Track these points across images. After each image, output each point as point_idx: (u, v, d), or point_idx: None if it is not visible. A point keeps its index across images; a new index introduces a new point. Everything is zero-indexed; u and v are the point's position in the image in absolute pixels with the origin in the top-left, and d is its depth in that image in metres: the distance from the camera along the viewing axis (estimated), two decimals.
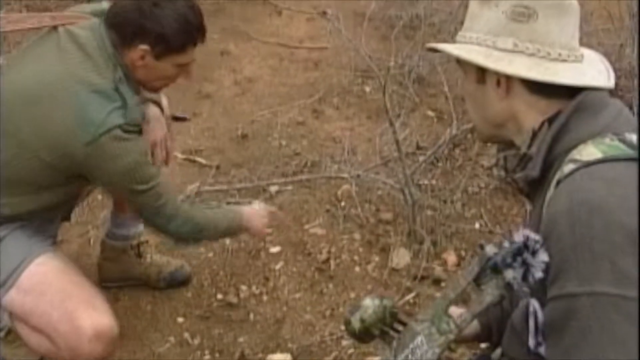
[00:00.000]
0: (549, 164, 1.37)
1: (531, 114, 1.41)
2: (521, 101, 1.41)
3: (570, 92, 1.38)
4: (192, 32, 2.03)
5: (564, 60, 1.39)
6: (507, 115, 1.44)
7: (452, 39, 4.59)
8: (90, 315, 1.98)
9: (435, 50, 1.55)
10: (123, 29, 1.99)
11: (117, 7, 2.03)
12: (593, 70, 1.42)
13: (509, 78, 1.40)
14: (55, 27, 2.05)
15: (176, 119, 3.15)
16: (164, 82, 2.15)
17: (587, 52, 1.46)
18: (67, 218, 2.40)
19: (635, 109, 1.42)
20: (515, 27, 1.40)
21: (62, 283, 2.04)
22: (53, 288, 2.02)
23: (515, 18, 1.40)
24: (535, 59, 1.39)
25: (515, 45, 1.40)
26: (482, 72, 1.44)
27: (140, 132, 2.05)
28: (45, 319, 2.00)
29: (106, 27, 2.01)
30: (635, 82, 3.09)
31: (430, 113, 3.85)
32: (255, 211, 2.48)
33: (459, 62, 1.48)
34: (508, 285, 1.26)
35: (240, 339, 2.53)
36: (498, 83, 1.42)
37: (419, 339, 1.35)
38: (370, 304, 1.48)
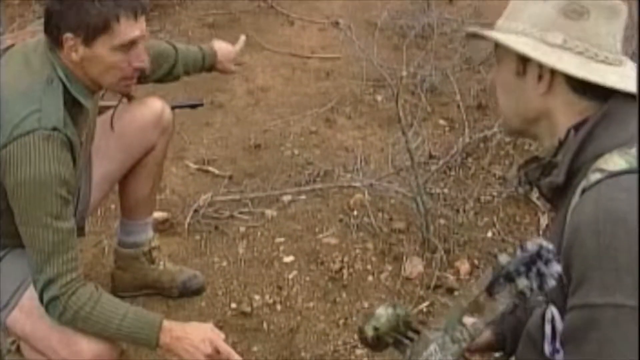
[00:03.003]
0: (574, 172, 1.35)
1: (567, 113, 1.38)
2: (561, 99, 1.38)
3: (605, 95, 1.36)
4: (110, 7, 1.86)
5: (610, 64, 1.37)
6: (542, 111, 1.41)
7: (463, 48, 4.55)
8: (89, 338, 1.95)
9: (474, 36, 1.50)
10: (48, 24, 1.91)
11: (45, 8, 1.93)
12: (633, 76, 1.39)
13: (553, 74, 1.37)
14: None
15: (192, 106, 3.17)
16: (117, 75, 1.97)
17: (625, 60, 1.44)
18: (78, 234, 2.38)
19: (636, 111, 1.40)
20: (566, 24, 1.37)
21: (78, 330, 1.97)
22: None
23: (567, 14, 1.37)
24: (583, 58, 1.36)
25: (564, 41, 1.36)
26: (523, 64, 1.40)
27: (69, 146, 1.91)
28: (45, 343, 1.98)
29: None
30: None
31: (442, 122, 3.85)
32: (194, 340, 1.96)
33: (496, 50, 1.45)
34: (521, 294, 1.26)
35: (254, 348, 2.54)
36: (540, 77, 1.38)
37: (432, 347, 1.35)
38: (383, 313, 1.48)
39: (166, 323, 1.96)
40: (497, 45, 1.44)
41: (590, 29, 1.37)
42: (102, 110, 2.37)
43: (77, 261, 1.93)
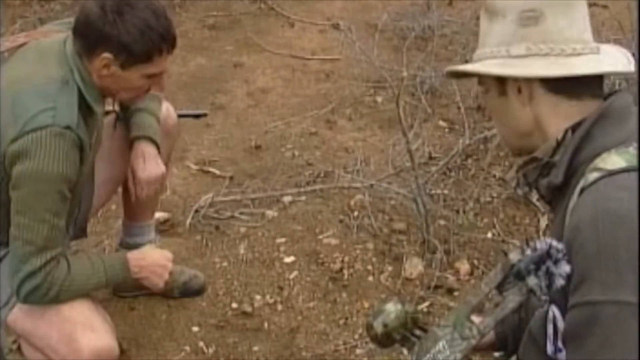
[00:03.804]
0: (573, 171, 1.37)
1: (556, 118, 1.41)
2: (545, 104, 1.41)
3: (593, 93, 1.39)
4: (156, 41, 1.92)
5: (580, 54, 1.40)
6: (533, 122, 1.44)
7: (463, 50, 4.59)
8: (89, 337, 1.96)
9: (454, 75, 1.58)
10: (86, 37, 1.93)
11: (82, 15, 1.94)
12: (610, 59, 1.42)
13: (529, 83, 1.40)
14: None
15: (196, 116, 3.19)
16: (133, 93, 2.06)
17: (604, 46, 1.47)
18: (80, 235, 2.40)
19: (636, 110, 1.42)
20: (526, 32, 1.41)
21: (61, 304, 2.00)
22: (51, 309, 1.99)
23: (524, 23, 1.41)
24: (551, 58, 1.39)
25: (528, 49, 1.40)
26: (502, 84, 1.44)
27: (80, 148, 1.94)
28: (45, 341, 1.99)
29: (73, 35, 1.97)
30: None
31: (442, 123, 3.86)
32: (150, 259, 2.18)
33: (480, 81, 1.50)
34: (531, 292, 1.27)
35: (255, 348, 2.54)
36: (519, 91, 1.42)
37: (440, 344, 1.36)
38: (392, 309, 1.49)
39: (130, 257, 2.14)
40: (479, 76, 1.50)
41: (550, 28, 1.40)
42: (106, 112, 2.37)
43: (60, 257, 1.96)
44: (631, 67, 1.44)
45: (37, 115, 1.86)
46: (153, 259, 2.17)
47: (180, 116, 2.69)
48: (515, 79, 1.41)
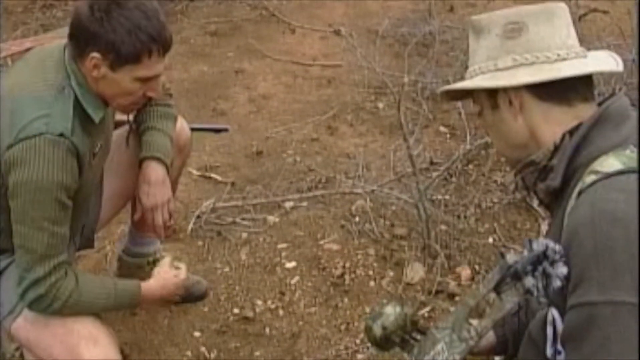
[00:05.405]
0: (570, 175, 1.39)
1: (549, 125, 1.43)
2: (536, 113, 1.43)
3: (583, 97, 1.41)
4: (145, 42, 1.87)
5: (565, 59, 1.43)
6: (527, 132, 1.46)
7: (464, 56, 4.61)
8: (92, 350, 1.96)
9: (448, 96, 1.62)
10: (76, 38, 1.91)
11: (74, 17, 1.91)
12: (596, 61, 1.46)
13: (518, 92, 1.43)
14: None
15: (216, 131, 3.20)
16: (128, 99, 2.00)
17: (595, 52, 1.50)
18: (87, 245, 2.41)
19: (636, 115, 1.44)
20: (511, 44, 1.44)
21: (65, 315, 2.00)
22: (56, 320, 1.98)
23: (508, 36, 1.44)
24: (537, 66, 1.42)
25: (514, 60, 1.44)
26: (493, 98, 1.47)
27: (75, 154, 1.91)
28: (48, 352, 1.99)
29: (68, 40, 1.95)
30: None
31: (443, 129, 3.87)
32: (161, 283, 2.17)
33: (474, 100, 1.52)
34: (528, 293, 1.28)
35: (257, 353, 2.55)
36: (510, 102, 1.45)
37: (439, 346, 1.36)
38: (391, 312, 1.50)
39: (144, 289, 2.09)
40: (471, 94, 1.53)
41: (533, 38, 1.43)
42: (117, 124, 2.33)
43: (65, 265, 1.95)
44: (619, 68, 1.46)
45: (31, 123, 1.85)
46: (166, 291, 2.16)
47: (200, 130, 2.67)
48: (505, 91, 1.44)
